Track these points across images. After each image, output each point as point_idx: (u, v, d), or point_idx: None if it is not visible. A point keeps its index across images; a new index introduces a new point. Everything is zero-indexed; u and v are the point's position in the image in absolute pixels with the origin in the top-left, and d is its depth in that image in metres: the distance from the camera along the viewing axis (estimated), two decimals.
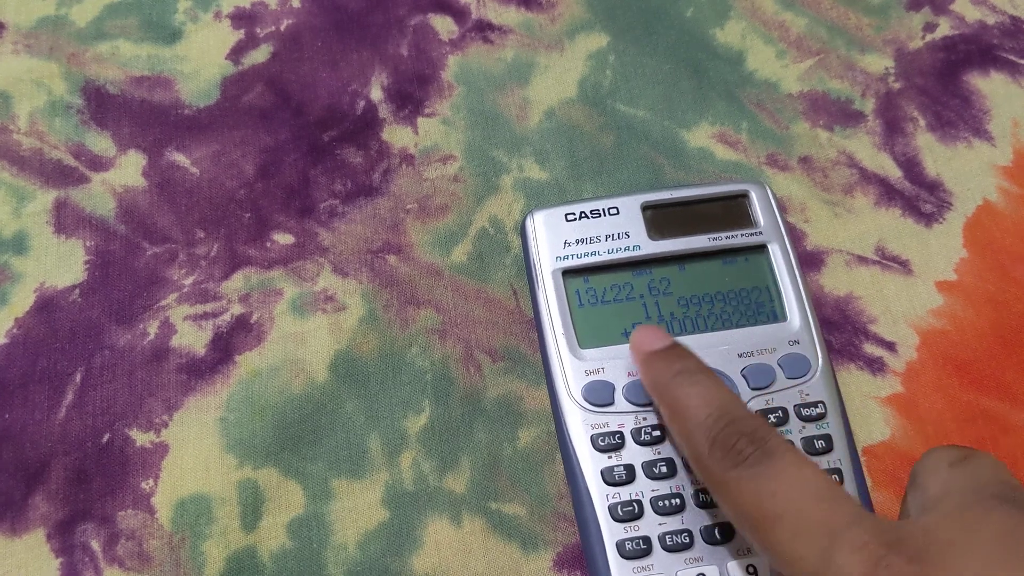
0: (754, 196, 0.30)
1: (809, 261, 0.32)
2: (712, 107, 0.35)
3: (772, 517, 0.21)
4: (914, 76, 0.36)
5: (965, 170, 0.34)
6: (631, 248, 0.29)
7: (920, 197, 0.33)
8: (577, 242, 0.29)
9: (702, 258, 0.29)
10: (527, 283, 0.30)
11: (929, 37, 0.37)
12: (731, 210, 0.30)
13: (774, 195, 0.30)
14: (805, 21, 0.37)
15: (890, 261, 0.32)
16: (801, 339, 0.28)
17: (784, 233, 0.30)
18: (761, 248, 0.29)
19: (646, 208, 0.30)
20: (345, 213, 0.33)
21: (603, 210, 0.30)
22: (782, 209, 0.30)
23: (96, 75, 0.36)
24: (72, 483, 0.29)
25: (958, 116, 0.35)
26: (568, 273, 0.29)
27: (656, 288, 0.29)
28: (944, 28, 0.37)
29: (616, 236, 0.29)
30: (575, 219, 0.30)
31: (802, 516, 0.21)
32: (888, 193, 0.33)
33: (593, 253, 0.29)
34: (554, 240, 0.29)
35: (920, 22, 0.37)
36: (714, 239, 0.29)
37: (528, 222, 0.30)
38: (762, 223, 0.30)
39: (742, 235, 0.29)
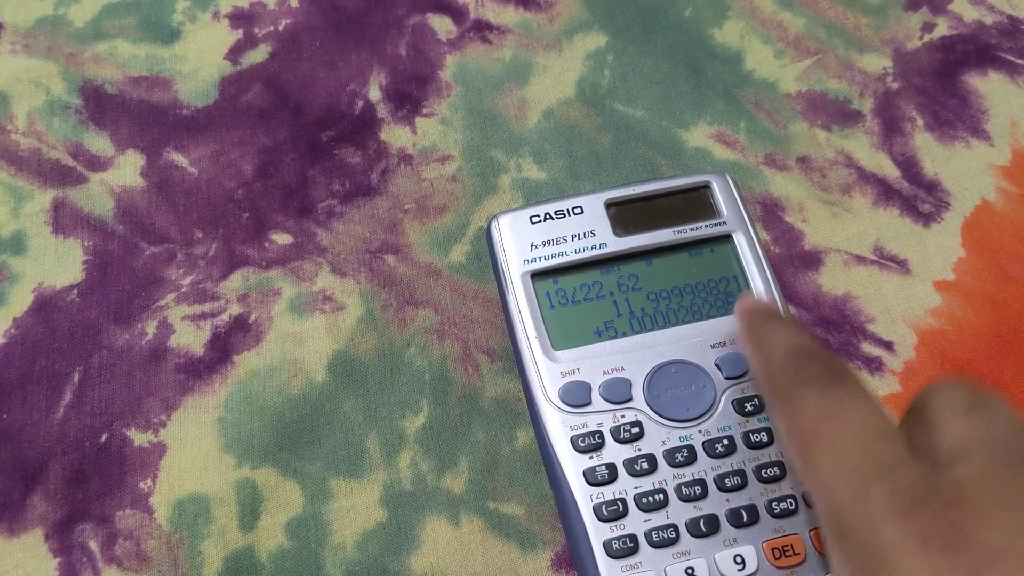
0: (716, 187, 0.30)
1: (807, 261, 0.32)
2: (710, 107, 0.35)
3: (825, 439, 0.21)
4: (912, 76, 0.36)
5: (963, 170, 0.34)
6: (598, 246, 0.29)
7: (918, 197, 0.33)
8: (544, 244, 0.29)
9: (668, 252, 0.29)
10: (496, 288, 0.30)
11: (927, 37, 0.37)
12: (694, 202, 0.30)
13: (736, 184, 0.30)
14: (803, 21, 0.37)
15: (888, 261, 0.32)
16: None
17: (748, 221, 0.30)
18: (726, 238, 0.30)
19: (610, 205, 0.30)
20: (343, 213, 0.33)
21: (567, 210, 0.30)
22: (744, 198, 0.30)
23: (94, 75, 0.36)
24: (70, 483, 0.29)
25: (956, 116, 0.35)
26: (537, 275, 0.29)
27: (625, 285, 0.29)
28: (942, 28, 0.37)
29: (582, 235, 0.29)
30: (540, 221, 0.30)
31: (854, 446, 0.21)
32: (886, 193, 0.33)
33: (560, 254, 0.29)
34: (521, 243, 0.29)
35: (918, 22, 0.37)
36: (679, 232, 0.29)
37: (493, 227, 0.30)
38: (725, 213, 0.30)
39: (706, 226, 0.30)
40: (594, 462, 0.26)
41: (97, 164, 0.34)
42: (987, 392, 0.23)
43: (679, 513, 0.26)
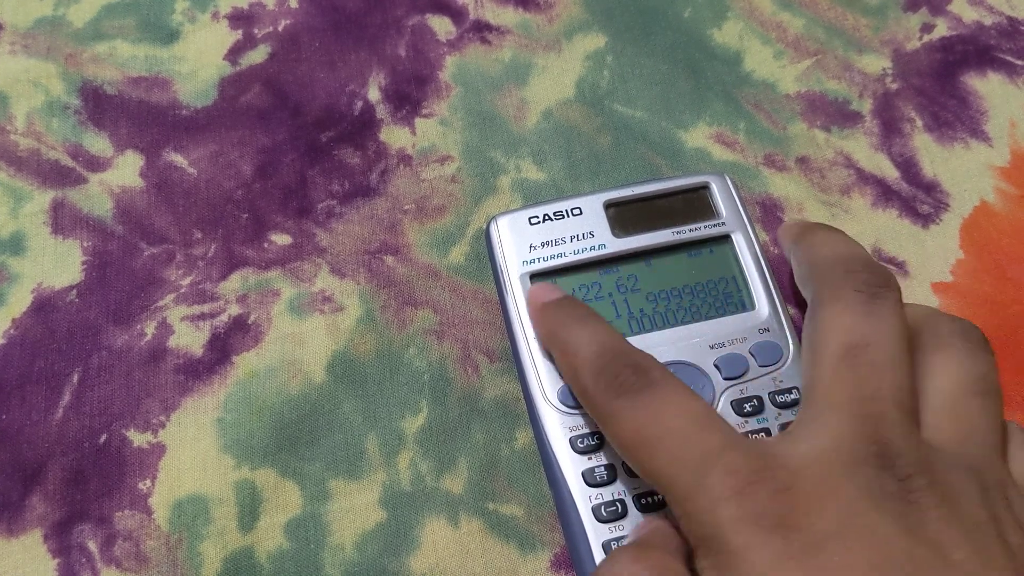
0: (715, 187, 0.30)
1: None
2: (710, 107, 0.35)
3: (653, 440, 0.22)
4: (911, 77, 0.36)
5: (962, 171, 0.34)
6: (596, 247, 0.29)
7: (917, 198, 0.33)
8: (542, 245, 0.29)
9: (667, 252, 0.30)
10: (495, 288, 0.30)
11: (926, 38, 0.37)
12: (693, 203, 0.30)
13: (735, 185, 0.31)
14: (803, 22, 0.37)
15: (887, 263, 0.32)
16: (771, 327, 0.28)
17: (747, 222, 0.30)
18: (725, 238, 0.30)
19: (609, 206, 0.30)
20: (343, 214, 0.33)
21: (566, 211, 0.30)
22: (743, 199, 0.30)
23: (94, 75, 0.36)
24: (69, 484, 0.29)
25: (955, 117, 0.35)
26: (536, 276, 0.29)
27: (624, 285, 0.29)
28: (941, 29, 0.37)
29: (581, 236, 0.29)
30: (539, 222, 0.30)
31: (680, 439, 0.22)
32: (885, 194, 0.33)
33: (559, 255, 0.29)
34: (520, 244, 0.29)
35: (917, 23, 0.37)
36: (678, 233, 0.30)
37: (492, 228, 0.30)
38: (724, 213, 0.30)
39: (705, 227, 0.30)
40: (593, 463, 0.26)
41: (96, 164, 0.34)
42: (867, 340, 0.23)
43: None
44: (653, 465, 0.22)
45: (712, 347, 0.28)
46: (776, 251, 0.32)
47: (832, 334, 0.23)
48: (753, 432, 0.27)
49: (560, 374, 0.27)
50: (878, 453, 0.21)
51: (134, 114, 0.35)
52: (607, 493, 0.26)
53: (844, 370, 0.22)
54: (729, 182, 0.30)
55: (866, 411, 0.22)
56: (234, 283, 0.32)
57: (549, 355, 0.28)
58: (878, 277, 0.24)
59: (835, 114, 0.35)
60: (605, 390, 0.23)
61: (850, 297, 0.24)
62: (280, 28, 0.37)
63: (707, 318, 0.28)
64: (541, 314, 0.27)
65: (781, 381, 0.27)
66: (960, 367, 0.23)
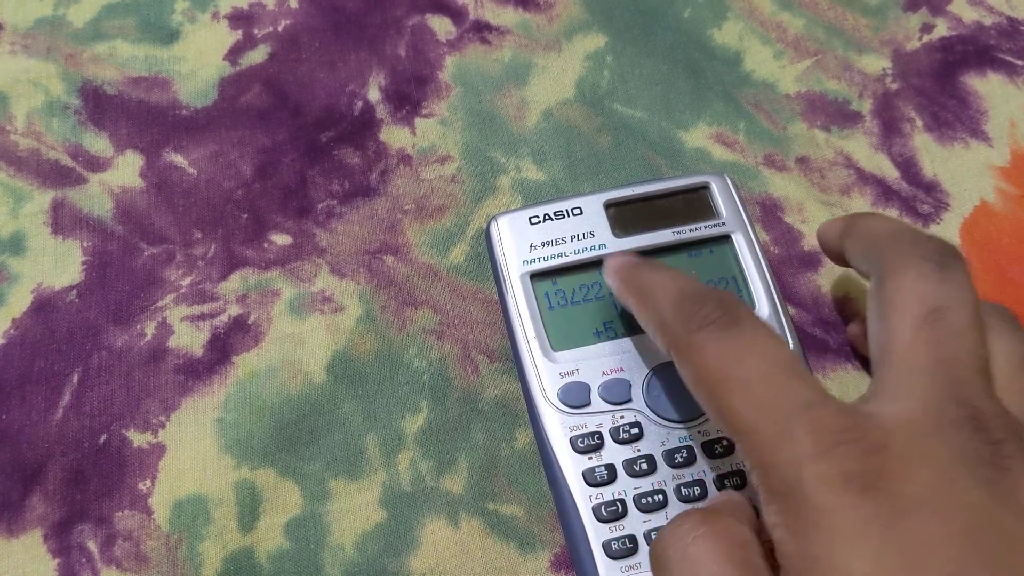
0: (715, 187, 0.30)
1: (807, 262, 0.32)
2: (710, 107, 0.35)
3: (736, 382, 0.21)
4: (911, 77, 0.36)
5: (962, 171, 0.34)
6: (597, 247, 0.29)
7: (917, 198, 0.33)
8: (543, 244, 0.29)
9: (668, 252, 0.29)
10: (495, 288, 0.30)
11: (926, 38, 0.37)
12: (693, 203, 0.30)
13: (735, 185, 0.30)
14: (803, 22, 0.37)
15: None
16: (771, 327, 0.28)
17: (747, 222, 0.30)
18: (725, 238, 0.30)
19: (609, 206, 0.30)
20: (343, 214, 0.33)
21: (567, 211, 0.30)
22: (743, 199, 0.30)
23: (94, 76, 0.36)
24: (69, 484, 0.29)
25: (955, 117, 0.35)
26: (536, 276, 0.29)
27: None
28: (941, 29, 0.37)
29: (581, 236, 0.29)
30: (539, 221, 0.30)
31: (767, 385, 0.21)
32: (885, 194, 0.33)
33: (560, 255, 0.29)
34: (520, 244, 0.29)
35: (917, 23, 0.37)
36: (678, 232, 0.30)
37: (492, 227, 0.30)
38: (724, 214, 0.30)
39: (705, 227, 0.30)
40: (593, 463, 0.26)
41: (96, 165, 0.34)
42: (950, 294, 0.22)
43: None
44: (734, 408, 0.21)
45: None
46: (776, 251, 0.32)
47: (910, 297, 0.22)
48: None
49: (639, 319, 0.25)
50: (971, 416, 0.20)
51: (134, 114, 0.35)
52: (607, 493, 0.26)
53: (926, 333, 0.21)
54: (729, 182, 0.30)
55: (953, 375, 0.21)
56: (234, 283, 0.32)
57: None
58: (946, 247, 0.24)
59: (835, 114, 0.35)
60: (686, 321, 0.22)
61: (922, 266, 0.23)
62: (280, 28, 0.37)
63: None
64: (619, 270, 0.26)
65: None
66: (1007, 345, 0.23)
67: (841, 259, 0.28)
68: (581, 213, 0.30)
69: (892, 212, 0.33)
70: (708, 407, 0.22)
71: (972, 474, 0.19)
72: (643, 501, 0.26)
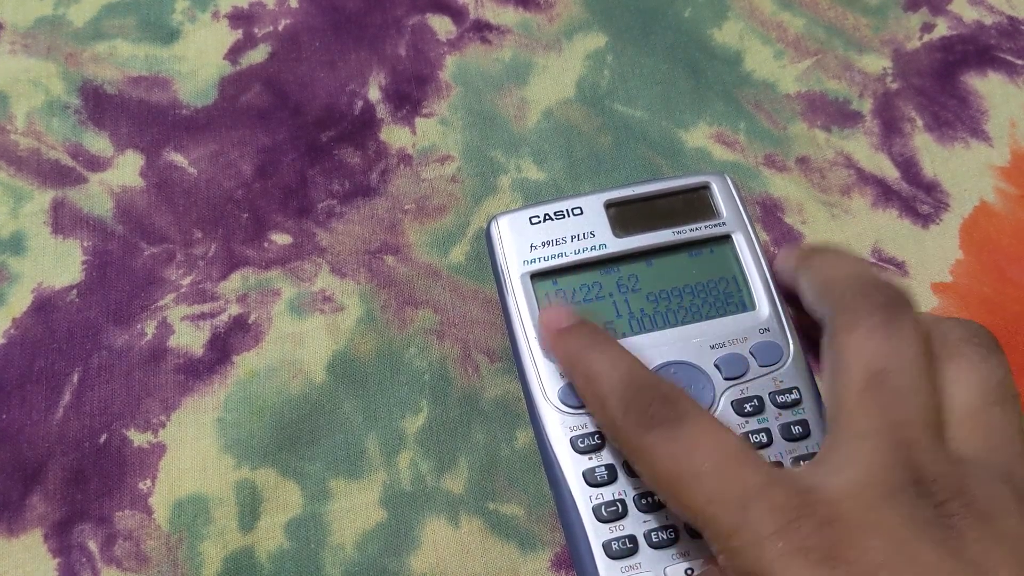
0: (715, 187, 0.30)
1: None
2: (710, 107, 0.35)
3: (690, 476, 0.22)
4: (912, 76, 0.36)
5: (962, 171, 0.34)
6: (597, 247, 0.29)
7: (917, 198, 0.33)
8: (543, 244, 0.29)
9: (668, 252, 0.29)
10: (495, 288, 0.30)
11: (927, 37, 0.37)
12: (693, 203, 0.30)
13: (735, 185, 0.31)
14: (803, 21, 0.37)
15: (886, 263, 0.32)
16: (771, 327, 0.28)
17: (747, 222, 0.30)
18: (726, 238, 0.30)
19: (609, 206, 0.30)
20: (343, 213, 0.33)
21: (567, 211, 0.30)
22: (743, 199, 0.30)
23: (94, 75, 0.36)
24: (69, 483, 0.29)
25: (956, 116, 0.35)
26: (536, 276, 0.29)
27: (625, 285, 0.29)
28: (941, 28, 0.37)
29: (581, 236, 0.29)
30: (539, 221, 0.30)
31: (719, 475, 0.21)
32: (885, 194, 0.34)
33: (560, 255, 0.29)
34: (520, 244, 0.29)
35: (918, 22, 0.37)
36: (679, 232, 0.30)
37: (493, 227, 0.30)
38: (725, 213, 0.30)
39: (706, 227, 0.30)
40: (593, 463, 0.26)
41: (96, 164, 0.34)
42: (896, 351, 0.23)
43: None
44: (692, 503, 0.22)
45: (712, 347, 0.28)
46: (776, 251, 0.32)
47: (854, 361, 0.23)
48: (754, 432, 0.27)
49: (585, 404, 0.26)
50: (914, 480, 0.21)
51: (134, 114, 0.35)
52: (607, 493, 0.26)
53: (869, 398, 0.22)
54: (729, 182, 0.30)
55: (897, 438, 0.22)
56: (234, 283, 0.32)
57: (550, 360, 0.28)
58: (892, 296, 0.24)
59: (835, 114, 0.35)
60: (636, 424, 0.23)
61: (867, 322, 0.24)
62: (280, 28, 0.37)
63: (707, 318, 0.28)
64: (558, 341, 0.26)
65: (781, 381, 0.27)
66: (977, 376, 0.23)
67: (793, 294, 0.28)
68: (581, 213, 0.30)
69: (892, 212, 0.33)
70: (667, 502, 0.23)
71: (922, 536, 0.20)
72: (643, 501, 0.26)
